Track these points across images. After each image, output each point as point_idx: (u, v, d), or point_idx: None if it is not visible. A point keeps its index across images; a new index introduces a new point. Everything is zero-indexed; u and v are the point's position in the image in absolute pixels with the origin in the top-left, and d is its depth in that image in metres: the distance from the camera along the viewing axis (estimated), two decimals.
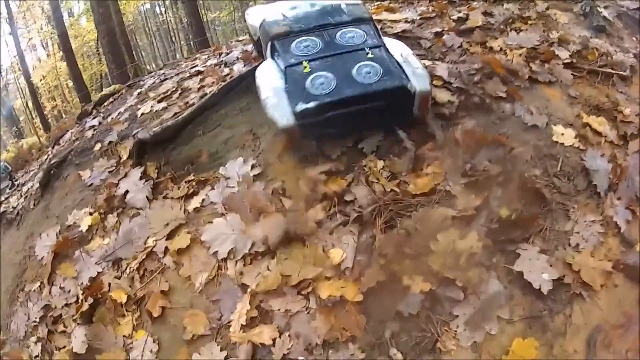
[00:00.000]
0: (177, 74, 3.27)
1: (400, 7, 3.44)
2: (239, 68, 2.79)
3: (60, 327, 2.05)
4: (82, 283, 2.07)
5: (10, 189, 3.96)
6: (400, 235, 1.66)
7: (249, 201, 1.83)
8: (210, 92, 2.49)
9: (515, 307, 1.54)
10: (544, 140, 2.06)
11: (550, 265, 1.61)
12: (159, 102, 2.79)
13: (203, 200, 2.02)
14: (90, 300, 1.94)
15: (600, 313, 1.55)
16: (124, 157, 2.51)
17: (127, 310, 1.86)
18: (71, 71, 10.01)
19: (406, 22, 2.97)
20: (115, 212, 2.26)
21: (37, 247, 2.45)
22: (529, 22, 2.87)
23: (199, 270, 1.81)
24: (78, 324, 1.94)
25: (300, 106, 1.82)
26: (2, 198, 3.87)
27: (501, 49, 2.61)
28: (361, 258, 1.68)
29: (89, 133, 3.07)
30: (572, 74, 2.43)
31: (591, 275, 1.61)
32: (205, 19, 10.68)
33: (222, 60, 3.03)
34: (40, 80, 14.02)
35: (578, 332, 1.51)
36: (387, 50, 2.04)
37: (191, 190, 2.09)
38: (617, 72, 2.45)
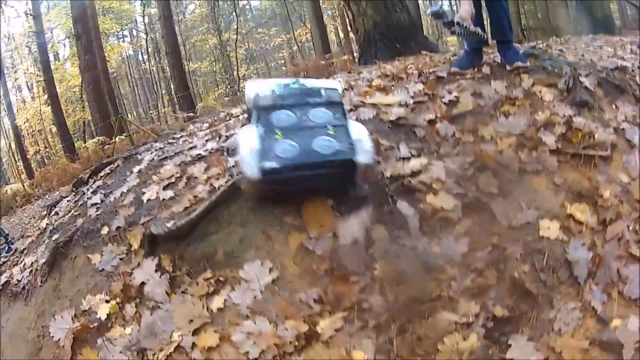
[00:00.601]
0: (176, 154, 3.36)
1: (392, 85, 3.61)
2: None
3: None
4: None
5: (7, 253, 3.97)
6: (413, 339, 1.88)
7: (276, 307, 2.02)
8: (219, 186, 2.64)
9: None
10: (531, 236, 2.26)
11: (537, 350, 1.85)
12: (164, 189, 2.88)
13: (225, 300, 2.14)
14: None
15: None
16: (135, 245, 2.61)
17: None
18: (56, 118, 10.05)
19: (400, 105, 3.09)
20: (133, 303, 2.35)
21: (52, 327, 2.48)
22: (517, 102, 3.02)
23: None
24: None
25: (266, 164, 2.20)
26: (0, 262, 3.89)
27: (492, 137, 2.75)
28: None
29: (92, 211, 3.11)
30: (557, 160, 2.61)
31: (572, 354, 1.85)
32: (186, 69, 10.90)
33: (223, 147, 3.15)
34: (24, 123, 13.94)
35: None
36: (346, 130, 2.39)
37: (211, 289, 2.21)
38: (598, 152, 2.66)
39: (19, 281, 3.15)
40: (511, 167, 2.54)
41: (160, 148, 3.75)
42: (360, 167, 2.26)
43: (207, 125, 4.29)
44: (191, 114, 10.52)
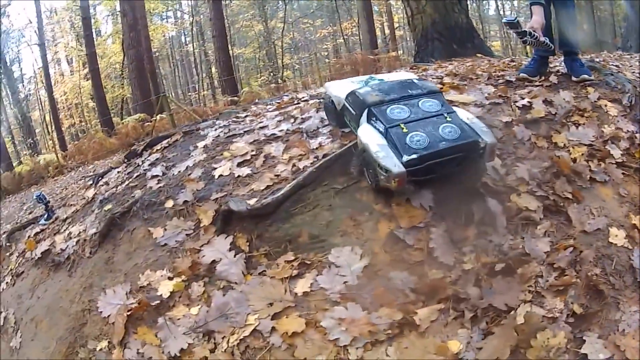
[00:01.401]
0: (246, 132, 3.20)
1: (465, 85, 3.56)
2: (328, 144, 2.77)
3: None
4: (169, 353, 1.98)
5: (46, 221, 3.83)
6: (507, 332, 1.89)
7: (370, 294, 1.89)
8: (303, 167, 2.49)
9: None
10: (602, 241, 2.34)
11: (605, 347, 1.91)
12: (238, 165, 2.72)
13: (312, 284, 1.97)
14: None
15: None
16: (205, 222, 2.43)
17: None
18: (96, 92, 9.98)
19: (475, 105, 3.07)
20: (202, 282, 2.18)
21: (100, 302, 2.34)
22: (585, 114, 3.08)
23: (316, 353, 1.76)
24: None
25: (406, 157, 2.20)
26: (38, 229, 3.75)
27: (564, 145, 2.80)
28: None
29: (152, 184, 2.96)
30: (622, 172, 2.69)
31: (632, 353, 1.92)
32: (230, 54, 10.79)
33: (300, 128, 2.99)
34: (62, 96, 13.95)
35: None
36: (458, 115, 2.46)
37: (294, 272, 2.03)
38: None
39: (62, 250, 3.02)
40: (583, 175, 2.64)
41: (225, 125, 3.57)
42: (488, 146, 2.33)
43: (273, 107, 4.11)
44: (235, 98, 10.37)
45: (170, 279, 2.26)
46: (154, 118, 8.44)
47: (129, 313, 2.19)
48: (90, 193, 3.77)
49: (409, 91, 2.56)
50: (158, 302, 2.19)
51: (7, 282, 3.31)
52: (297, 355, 1.78)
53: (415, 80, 2.67)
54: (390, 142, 2.29)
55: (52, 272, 2.93)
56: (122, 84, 12.12)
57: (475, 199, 2.42)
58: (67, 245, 3.01)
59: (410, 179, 2.24)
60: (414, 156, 2.20)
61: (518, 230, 2.36)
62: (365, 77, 2.91)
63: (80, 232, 3.05)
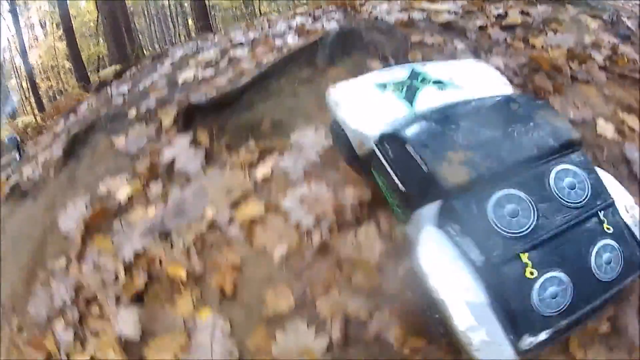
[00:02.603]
0: (214, 45, 3.06)
1: None
2: (294, 40, 2.60)
3: (96, 310, 1.82)
4: (124, 258, 1.84)
5: (17, 161, 3.73)
6: None
7: (335, 173, 1.70)
8: (267, 62, 2.32)
9: None
10: (590, 133, 2.15)
11: None
12: (204, 68, 2.57)
13: (273, 169, 1.82)
14: (144, 275, 1.72)
15: None
16: (167, 123, 2.29)
17: (185, 288, 1.64)
18: (70, 51, 9.72)
19: (449, 12, 2.95)
20: (161, 180, 2.04)
21: (60, 219, 2.18)
22: (563, 24, 2.97)
23: (277, 241, 1.61)
24: (124, 304, 1.71)
25: (529, 340, 1.10)
26: (10, 170, 3.63)
27: (543, 47, 2.67)
28: None
29: (119, 100, 2.84)
30: (605, 76, 2.53)
31: None
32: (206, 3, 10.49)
33: (267, 33, 2.84)
34: (37, 60, 13.70)
35: None
36: (615, 208, 1.25)
37: (255, 159, 1.89)
38: None
39: (29, 179, 2.86)
40: (564, 72, 2.42)
41: (197, 44, 3.42)
42: None
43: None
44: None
45: (128, 182, 2.13)
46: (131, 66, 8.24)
47: (86, 224, 2.07)
48: (59, 127, 3.63)
49: (525, 141, 1.25)
50: (115, 208, 2.06)
51: None
52: (256, 245, 1.65)
53: (533, 106, 1.37)
54: (498, 299, 1.12)
55: (19, 203, 2.79)
56: (97, 42, 11.90)
57: None
58: (34, 174, 2.88)
59: None
60: (544, 336, 1.11)
61: None
62: (404, 68, 1.64)
63: (46, 159, 2.91)
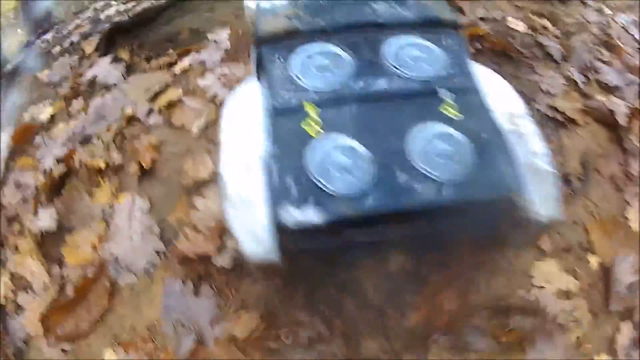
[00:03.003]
0: None
1: None
2: None
3: (17, 227, 1.77)
4: (45, 169, 1.81)
5: None
6: None
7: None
8: None
9: None
10: (500, 26, 2.18)
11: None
12: (125, 3, 2.57)
13: (190, 63, 1.84)
14: (60, 169, 1.71)
15: (583, 142, 1.69)
16: (89, 50, 2.27)
17: (103, 178, 1.63)
18: None
19: None
20: (82, 98, 2.02)
21: None
22: None
23: (195, 116, 1.63)
24: (43, 205, 1.69)
25: (293, 218, 0.83)
26: None
27: None
28: None
29: (42, 45, 2.80)
30: None
31: (571, 113, 1.76)
32: None
33: None
34: None
35: (572, 153, 1.63)
36: (482, 100, 1.01)
37: (174, 60, 1.91)
38: None
39: None
40: None
41: None
42: (537, 223, 0.93)
43: None
44: None
45: (51, 104, 2.10)
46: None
47: (10, 150, 2.01)
48: None
49: (375, 13, 1.13)
50: (37, 129, 2.01)
51: None
52: (175, 124, 1.66)
53: None
54: (276, 154, 0.91)
55: None
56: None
57: None
58: None
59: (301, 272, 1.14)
60: (312, 218, 0.82)
61: None
62: None
63: None
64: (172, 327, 1.27)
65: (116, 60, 2.09)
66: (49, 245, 1.57)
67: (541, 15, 2.41)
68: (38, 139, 1.94)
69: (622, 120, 1.76)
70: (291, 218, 0.82)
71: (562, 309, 1.30)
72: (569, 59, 2.08)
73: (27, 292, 1.53)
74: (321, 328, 1.20)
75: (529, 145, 0.96)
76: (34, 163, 1.89)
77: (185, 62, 1.84)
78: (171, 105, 1.70)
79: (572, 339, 1.29)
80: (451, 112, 0.96)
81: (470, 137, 0.92)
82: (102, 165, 1.64)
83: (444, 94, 0.99)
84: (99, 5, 3.08)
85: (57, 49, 2.50)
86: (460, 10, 2.25)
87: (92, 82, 2.06)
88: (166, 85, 1.79)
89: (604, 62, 2.12)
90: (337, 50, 1.05)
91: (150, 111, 1.73)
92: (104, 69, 2.06)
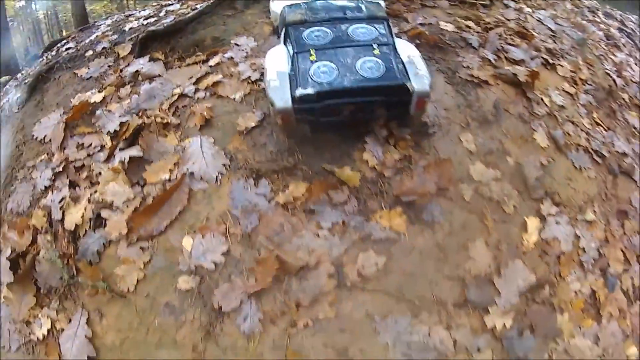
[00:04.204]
0: (145, 9, 3.75)
1: None
2: None
3: (84, 174, 2.27)
4: (108, 131, 2.36)
5: None
6: None
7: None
8: (200, 7, 3.05)
9: None
10: (434, 28, 3.00)
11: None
12: (144, 19, 3.25)
13: (221, 59, 2.57)
14: (136, 122, 2.31)
15: (495, 95, 2.56)
16: (124, 53, 2.90)
17: (168, 131, 2.29)
18: None
19: None
20: (128, 86, 2.63)
21: (35, 131, 2.60)
22: None
23: (235, 90, 2.39)
24: (120, 149, 2.27)
25: (300, 91, 1.90)
26: None
27: None
28: None
29: (69, 52, 3.30)
30: (449, 3, 3.46)
31: (484, 77, 2.61)
32: None
33: None
34: None
35: (486, 101, 2.48)
36: (394, 50, 2.10)
37: (205, 58, 2.63)
38: (479, 1, 3.58)
39: None
40: (415, 1, 3.33)
41: (119, 16, 4.04)
42: (415, 95, 1.99)
43: None
44: None
45: (100, 91, 2.68)
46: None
47: (66, 122, 2.53)
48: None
49: (345, 13, 2.26)
50: (91, 107, 2.58)
51: None
52: (220, 95, 2.40)
53: (365, 3, 2.33)
54: (295, 70, 2.01)
55: None
56: None
57: None
58: None
59: (302, 118, 2.03)
60: (309, 91, 1.91)
61: None
62: None
63: (5, 102, 3.22)
64: (240, 211, 2.01)
65: (152, 59, 2.78)
66: (131, 173, 2.17)
67: (467, 18, 3.27)
68: (98, 112, 2.52)
69: (522, 78, 2.65)
70: (300, 92, 1.91)
71: (495, 190, 2.19)
72: (485, 46, 2.94)
73: (111, 209, 2.11)
74: (342, 195, 2.05)
75: (416, 65, 2.03)
76: (93, 129, 2.46)
77: (216, 59, 2.57)
78: (215, 84, 2.42)
79: (510, 208, 2.18)
80: (376, 52, 2.06)
81: (383, 62, 2.03)
82: (168, 120, 2.31)
83: (374, 46, 2.09)
84: (112, 20, 3.77)
85: (90, 52, 3.13)
86: (405, 19, 3.06)
87: (136, 74, 2.71)
88: (206, 73, 2.51)
89: (513, 45, 2.99)
90: (325, 29, 2.18)
91: (196, 90, 2.44)
92: (144, 65, 2.74)
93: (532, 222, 2.18)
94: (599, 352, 2.06)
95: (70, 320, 2.00)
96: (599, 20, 4.54)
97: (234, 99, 2.36)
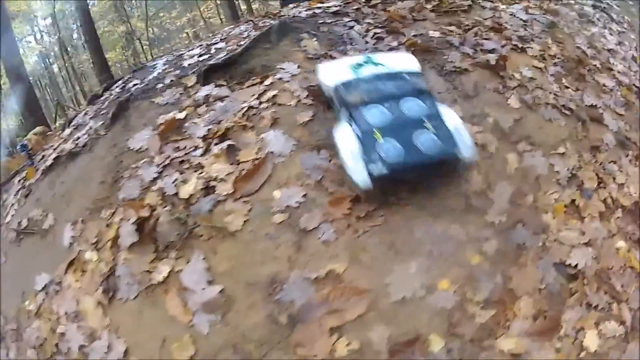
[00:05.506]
0: (191, 48, 4.56)
1: None
2: (249, 31, 4.31)
3: (187, 165, 2.87)
4: (199, 136, 3.00)
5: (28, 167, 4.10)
6: None
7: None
8: (244, 43, 3.89)
9: None
10: (423, 38, 3.74)
11: None
12: (199, 56, 4.09)
13: (272, 80, 3.46)
14: (226, 124, 3.17)
15: (474, 78, 3.46)
16: (190, 83, 3.67)
17: (247, 131, 3.13)
18: None
19: (335, 6, 4.41)
20: (204, 106, 3.25)
21: (130, 143, 3.10)
22: None
23: (290, 99, 3.19)
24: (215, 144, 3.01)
25: (376, 170, 2.35)
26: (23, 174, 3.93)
27: (394, 9, 4.22)
28: None
29: (137, 87, 4.01)
30: (435, 14, 4.11)
31: (465, 66, 3.45)
32: None
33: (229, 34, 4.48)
34: None
35: (468, 83, 3.42)
36: (442, 121, 2.51)
37: (259, 81, 3.52)
38: (460, 8, 4.39)
39: (76, 144, 3.69)
40: (407, 17, 3.97)
41: (167, 58, 4.87)
42: (465, 160, 2.49)
43: None
44: None
45: (181, 111, 3.46)
46: (55, 125, 8.95)
47: (160, 132, 3.10)
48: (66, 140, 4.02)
49: (395, 88, 2.66)
50: (178, 122, 3.36)
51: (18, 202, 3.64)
52: (279, 103, 3.14)
53: (408, 74, 2.77)
54: (363, 149, 2.41)
55: (69, 163, 3.46)
56: None
57: None
58: (79, 140, 3.58)
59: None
60: (384, 171, 2.34)
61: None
62: (362, 57, 2.99)
63: (88, 129, 3.65)
64: (310, 170, 2.88)
65: (217, 86, 3.69)
66: (227, 157, 2.84)
67: (450, 24, 3.86)
68: (187, 124, 3.35)
69: (493, 62, 3.36)
70: (377, 172, 2.38)
71: (480, 138, 2.91)
72: (464, 44, 3.58)
73: (217, 180, 2.72)
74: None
75: (462, 135, 2.50)
76: (185, 137, 3.24)
77: (269, 80, 3.47)
78: (274, 96, 3.28)
79: (492, 149, 2.93)
80: (430, 127, 2.46)
81: (437, 136, 2.44)
82: (244, 123, 3.26)
83: (427, 121, 2.49)
84: (165, 60, 4.69)
85: (160, 85, 3.96)
86: (402, 34, 3.63)
87: (207, 97, 3.57)
88: (264, 90, 3.38)
89: (487, 39, 3.65)
90: (382, 108, 2.56)
91: (260, 102, 3.32)
92: (212, 90, 3.62)
93: (512, 157, 2.91)
94: (586, 241, 2.65)
95: (188, 261, 2.47)
96: (573, 2, 5.03)
97: (290, 105, 3.08)
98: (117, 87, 4.62)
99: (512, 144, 3.00)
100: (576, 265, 2.56)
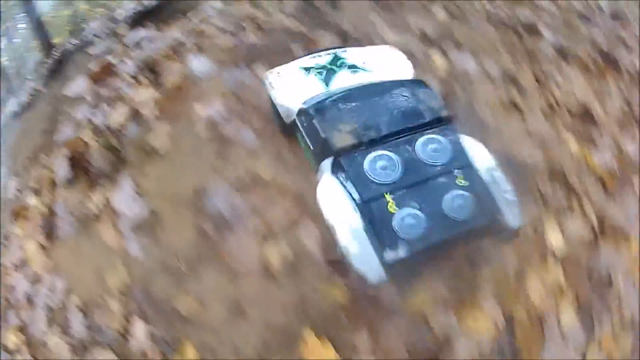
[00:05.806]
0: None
1: None
2: None
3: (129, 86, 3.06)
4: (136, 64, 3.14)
5: None
6: None
7: None
8: None
9: None
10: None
11: None
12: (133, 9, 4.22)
13: (199, 18, 3.63)
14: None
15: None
16: (122, 32, 3.75)
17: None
18: None
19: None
20: (135, 47, 3.44)
21: (66, 92, 3.12)
22: None
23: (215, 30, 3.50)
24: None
25: (391, 257, 1.56)
26: None
27: None
28: None
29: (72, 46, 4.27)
30: None
31: None
32: None
33: None
34: None
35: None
36: (470, 165, 1.72)
37: (185, 19, 3.73)
38: None
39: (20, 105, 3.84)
40: None
41: None
42: (510, 231, 1.69)
43: None
44: None
45: (113, 57, 3.44)
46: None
47: (93, 75, 3.19)
48: None
49: (396, 114, 1.78)
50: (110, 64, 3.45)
51: None
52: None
53: (405, 89, 1.87)
54: (369, 224, 1.60)
55: (14, 123, 3.64)
56: None
57: None
58: (22, 101, 3.80)
59: (400, 285, 1.65)
60: (402, 255, 1.56)
61: None
62: (327, 56, 2.10)
63: (29, 90, 3.84)
64: (233, 85, 3.09)
65: (147, 28, 3.75)
66: (154, 86, 2.98)
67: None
68: (119, 65, 3.34)
69: None
70: (392, 258, 1.57)
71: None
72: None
73: (144, 107, 2.77)
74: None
75: (501, 186, 1.70)
76: (116, 76, 3.29)
77: (195, 18, 3.72)
78: (200, 31, 3.52)
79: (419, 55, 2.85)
80: (461, 182, 1.67)
81: (471, 194, 1.65)
82: (172, 54, 3.43)
83: (456, 173, 1.69)
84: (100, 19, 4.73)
85: (95, 39, 4.04)
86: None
87: (137, 40, 3.63)
88: (191, 28, 3.66)
89: None
90: (388, 154, 1.70)
91: (186, 37, 3.51)
92: (141, 32, 3.63)
93: (438, 59, 2.90)
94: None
95: (120, 188, 2.41)
96: None
97: (215, 35, 3.30)
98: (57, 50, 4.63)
99: (439, 48, 2.95)
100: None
